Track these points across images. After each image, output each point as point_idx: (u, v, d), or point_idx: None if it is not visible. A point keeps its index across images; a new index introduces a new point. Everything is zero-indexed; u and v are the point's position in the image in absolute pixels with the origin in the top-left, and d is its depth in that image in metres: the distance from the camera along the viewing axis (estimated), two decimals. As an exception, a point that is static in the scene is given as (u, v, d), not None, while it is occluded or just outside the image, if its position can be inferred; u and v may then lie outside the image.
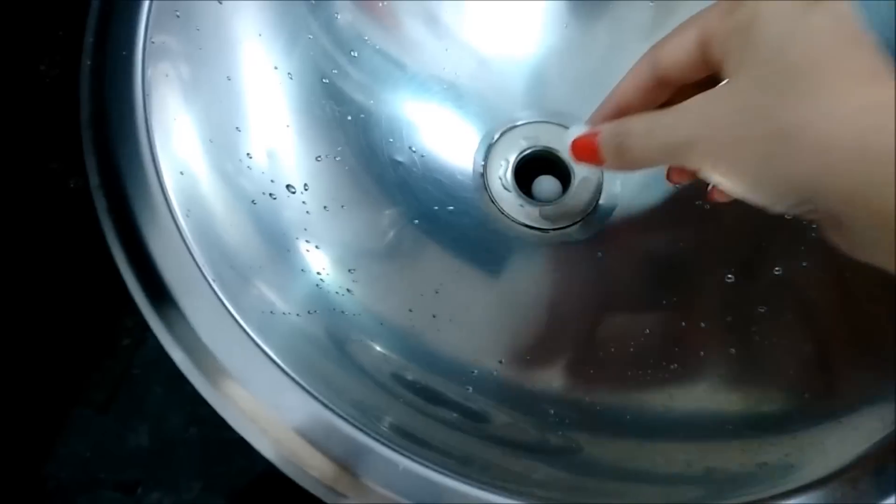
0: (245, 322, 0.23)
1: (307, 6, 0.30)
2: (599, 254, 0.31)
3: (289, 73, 0.30)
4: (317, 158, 0.30)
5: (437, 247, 0.31)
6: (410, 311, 0.29)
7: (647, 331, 0.29)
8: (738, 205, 0.20)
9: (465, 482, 0.22)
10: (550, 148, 0.32)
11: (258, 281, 0.26)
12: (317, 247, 0.28)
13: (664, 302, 0.30)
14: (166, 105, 0.25)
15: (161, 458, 0.28)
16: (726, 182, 0.19)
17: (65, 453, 0.28)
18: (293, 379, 0.22)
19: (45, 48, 0.31)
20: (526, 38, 0.33)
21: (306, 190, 0.29)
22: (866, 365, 0.26)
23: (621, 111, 0.23)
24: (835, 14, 0.17)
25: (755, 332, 0.28)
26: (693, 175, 0.21)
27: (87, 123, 0.25)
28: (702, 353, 0.28)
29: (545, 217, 0.31)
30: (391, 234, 0.30)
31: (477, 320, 0.30)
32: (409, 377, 0.27)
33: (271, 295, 0.25)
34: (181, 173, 0.25)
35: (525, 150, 0.32)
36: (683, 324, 0.29)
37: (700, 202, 0.30)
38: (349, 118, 0.31)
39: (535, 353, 0.29)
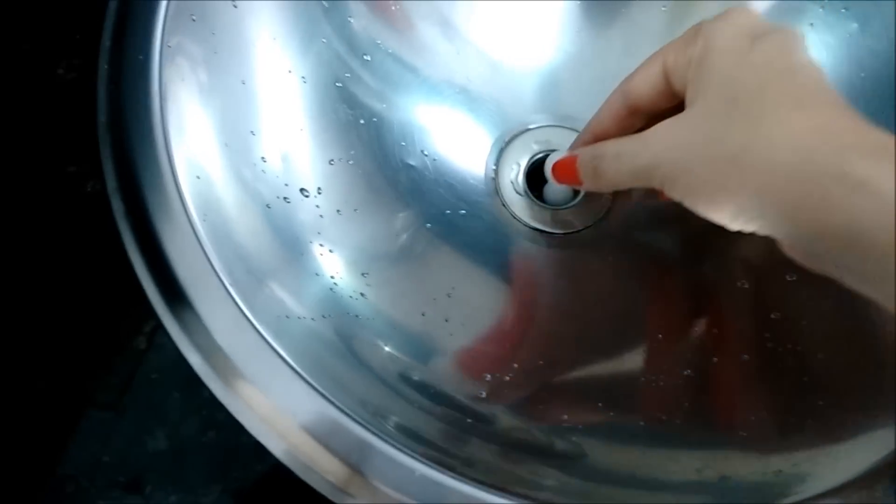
0: (260, 325, 0.23)
1: (321, 10, 0.30)
2: (611, 258, 0.31)
3: (302, 77, 0.30)
4: (330, 162, 0.30)
5: (450, 250, 0.31)
6: (423, 314, 0.29)
7: (660, 336, 0.29)
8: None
9: (474, 486, 0.22)
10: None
11: (273, 284, 0.26)
12: (330, 250, 0.28)
13: (676, 307, 0.30)
14: (182, 108, 0.26)
15: (176, 461, 0.28)
16: (686, 202, 0.20)
17: (80, 455, 0.29)
18: (308, 382, 0.22)
19: (62, 52, 0.31)
20: (539, 42, 0.33)
21: (320, 193, 0.29)
22: (883, 373, 0.26)
23: (598, 139, 0.25)
24: (778, 46, 0.19)
25: (768, 339, 0.28)
26: None
27: (105, 127, 0.25)
28: (715, 358, 0.28)
29: (556, 221, 0.31)
30: (403, 237, 0.30)
31: (489, 323, 0.30)
32: (422, 381, 0.27)
33: (286, 298, 0.26)
34: (197, 177, 0.25)
35: (537, 155, 0.32)
36: (696, 329, 0.29)
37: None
38: (362, 122, 0.31)
39: (545, 356, 0.29)
